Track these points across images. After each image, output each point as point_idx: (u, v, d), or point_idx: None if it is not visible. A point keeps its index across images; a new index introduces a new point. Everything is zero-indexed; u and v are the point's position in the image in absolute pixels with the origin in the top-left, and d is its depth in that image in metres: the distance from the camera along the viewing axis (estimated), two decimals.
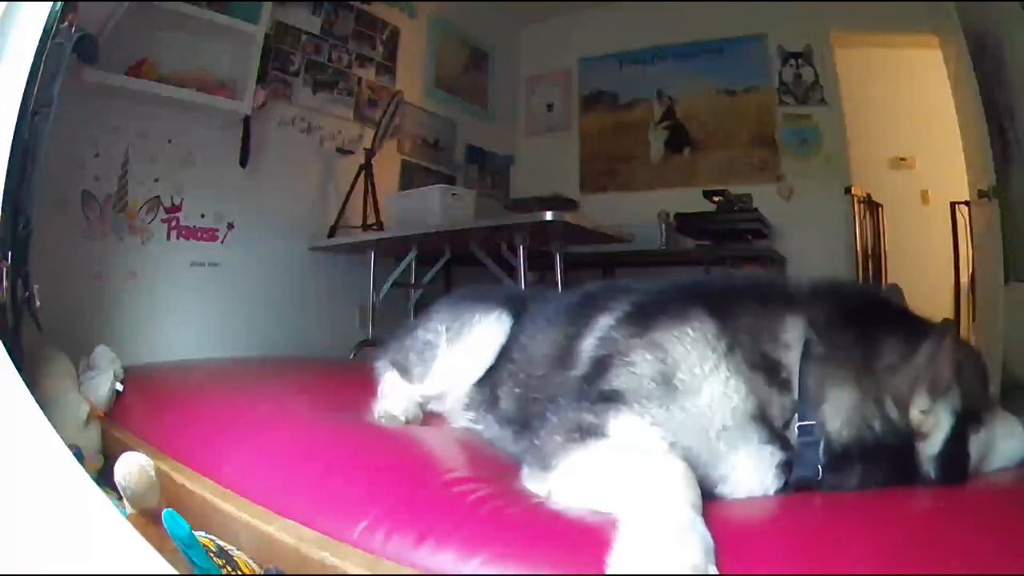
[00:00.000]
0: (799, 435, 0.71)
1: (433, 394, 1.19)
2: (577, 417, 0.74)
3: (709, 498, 0.68)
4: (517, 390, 1.01)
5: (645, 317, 0.81)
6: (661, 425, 0.70)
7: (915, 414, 0.71)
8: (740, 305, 0.78)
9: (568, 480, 0.71)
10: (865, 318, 0.77)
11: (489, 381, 1.10)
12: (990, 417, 0.76)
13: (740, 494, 0.71)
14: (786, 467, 0.72)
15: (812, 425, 0.71)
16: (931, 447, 0.71)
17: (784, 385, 0.74)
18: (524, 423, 0.92)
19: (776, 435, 0.72)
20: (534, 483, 0.76)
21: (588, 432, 0.72)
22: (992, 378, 0.81)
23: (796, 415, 0.72)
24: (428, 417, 1.19)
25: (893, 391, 0.71)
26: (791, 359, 0.74)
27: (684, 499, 0.59)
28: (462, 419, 1.13)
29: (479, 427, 1.08)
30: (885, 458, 0.71)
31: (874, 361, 0.73)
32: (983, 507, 0.70)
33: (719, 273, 3.12)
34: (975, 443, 0.73)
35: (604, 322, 0.87)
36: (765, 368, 0.74)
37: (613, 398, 0.74)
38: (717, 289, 0.88)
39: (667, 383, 0.73)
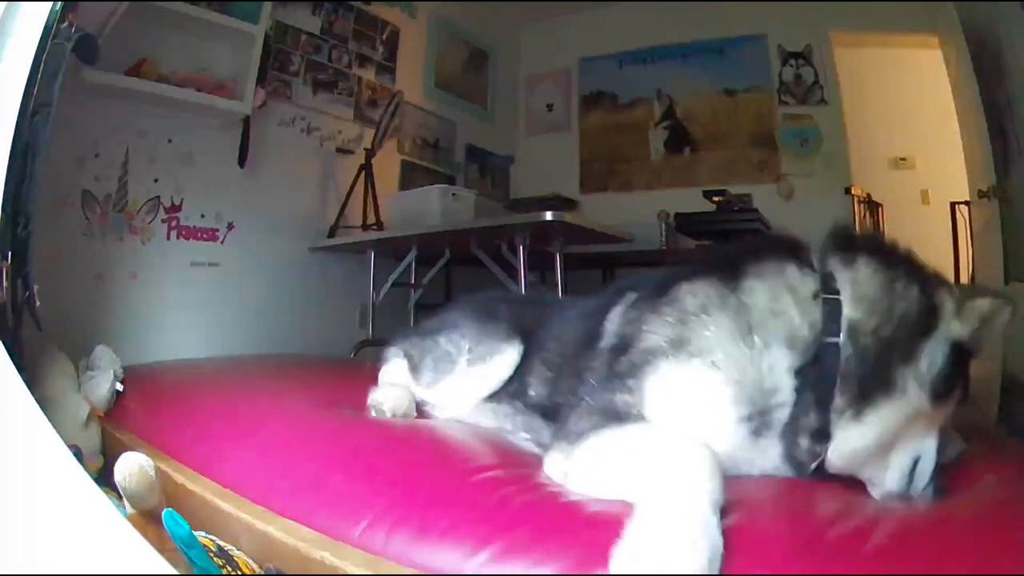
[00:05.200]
0: (823, 306, 0.74)
1: (434, 403, 1.19)
2: (611, 397, 0.75)
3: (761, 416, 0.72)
4: (549, 374, 1.02)
5: (670, 282, 0.84)
6: (700, 354, 0.73)
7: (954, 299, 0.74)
8: (758, 249, 0.82)
9: (591, 459, 0.71)
10: (883, 246, 0.82)
11: (517, 375, 1.10)
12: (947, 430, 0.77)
13: (781, 405, 0.73)
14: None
15: (836, 299, 0.74)
16: (955, 328, 0.73)
17: (809, 264, 0.78)
18: (554, 407, 0.94)
19: (800, 340, 0.74)
20: (558, 460, 0.76)
21: (624, 413, 0.73)
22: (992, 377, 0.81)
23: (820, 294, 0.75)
24: (422, 412, 1.19)
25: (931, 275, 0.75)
26: (813, 257, 0.79)
27: (705, 493, 0.57)
28: (482, 408, 1.13)
29: (503, 408, 1.09)
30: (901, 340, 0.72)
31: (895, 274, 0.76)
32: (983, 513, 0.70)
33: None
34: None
35: (630, 295, 0.91)
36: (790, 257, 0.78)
37: (645, 358, 0.76)
38: (734, 246, 0.90)
39: (695, 321, 0.75)
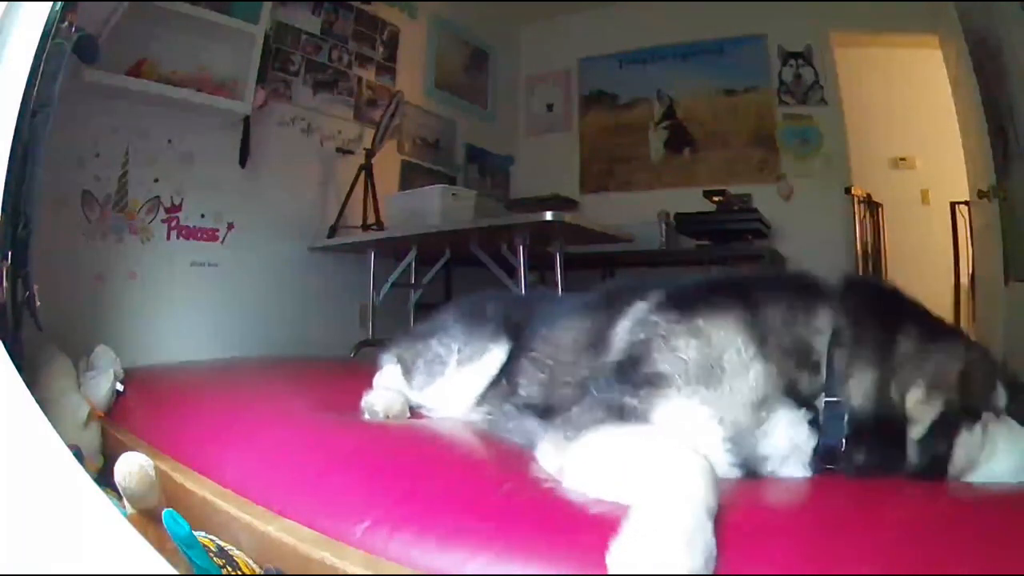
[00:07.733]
0: (826, 409, 0.75)
1: (428, 405, 1.20)
2: (619, 399, 0.76)
3: (753, 466, 0.74)
4: (542, 375, 1.02)
5: (685, 304, 0.83)
6: (709, 404, 0.74)
7: (911, 401, 0.75)
8: (775, 295, 0.82)
9: (588, 455, 0.72)
10: (887, 310, 0.82)
11: (504, 375, 1.11)
12: (992, 421, 0.76)
13: (778, 458, 0.75)
14: (814, 428, 0.75)
15: (839, 401, 0.75)
16: (917, 432, 0.74)
17: (814, 368, 0.77)
18: (548, 407, 0.94)
19: (807, 404, 0.76)
20: (552, 453, 0.77)
21: (629, 415, 0.74)
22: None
23: (824, 392, 0.76)
24: (417, 414, 1.19)
25: (902, 377, 0.75)
26: (821, 344, 0.78)
27: (701, 497, 0.57)
28: (473, 415, 1.14)
29: (492, 418, 1.09)
30: (891, 435, 0.74)
31: (892, 349, 0.77)
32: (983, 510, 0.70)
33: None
34: (965, 439, 0.74)
35: (640, 307, 0.89)
36: (797, 352, 0.78)
37: (656, 382, 0.76)
38: (752, 281, 0.90)
39: (712, 366, 0.76)
